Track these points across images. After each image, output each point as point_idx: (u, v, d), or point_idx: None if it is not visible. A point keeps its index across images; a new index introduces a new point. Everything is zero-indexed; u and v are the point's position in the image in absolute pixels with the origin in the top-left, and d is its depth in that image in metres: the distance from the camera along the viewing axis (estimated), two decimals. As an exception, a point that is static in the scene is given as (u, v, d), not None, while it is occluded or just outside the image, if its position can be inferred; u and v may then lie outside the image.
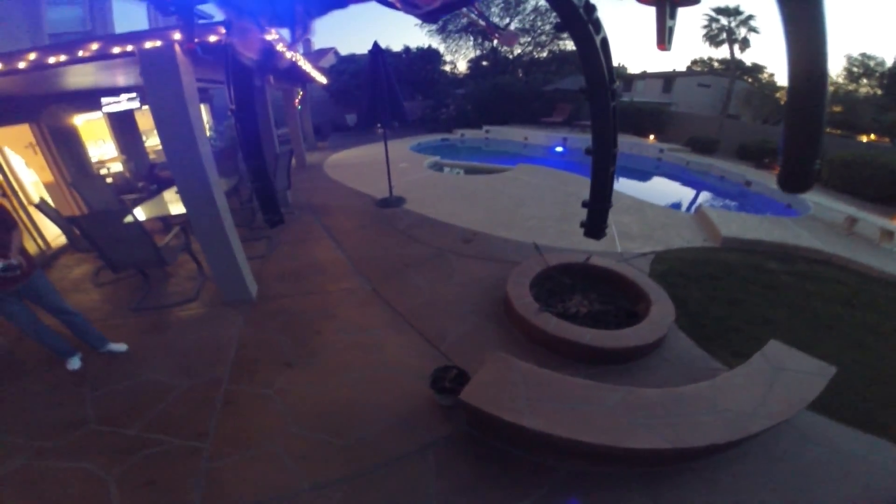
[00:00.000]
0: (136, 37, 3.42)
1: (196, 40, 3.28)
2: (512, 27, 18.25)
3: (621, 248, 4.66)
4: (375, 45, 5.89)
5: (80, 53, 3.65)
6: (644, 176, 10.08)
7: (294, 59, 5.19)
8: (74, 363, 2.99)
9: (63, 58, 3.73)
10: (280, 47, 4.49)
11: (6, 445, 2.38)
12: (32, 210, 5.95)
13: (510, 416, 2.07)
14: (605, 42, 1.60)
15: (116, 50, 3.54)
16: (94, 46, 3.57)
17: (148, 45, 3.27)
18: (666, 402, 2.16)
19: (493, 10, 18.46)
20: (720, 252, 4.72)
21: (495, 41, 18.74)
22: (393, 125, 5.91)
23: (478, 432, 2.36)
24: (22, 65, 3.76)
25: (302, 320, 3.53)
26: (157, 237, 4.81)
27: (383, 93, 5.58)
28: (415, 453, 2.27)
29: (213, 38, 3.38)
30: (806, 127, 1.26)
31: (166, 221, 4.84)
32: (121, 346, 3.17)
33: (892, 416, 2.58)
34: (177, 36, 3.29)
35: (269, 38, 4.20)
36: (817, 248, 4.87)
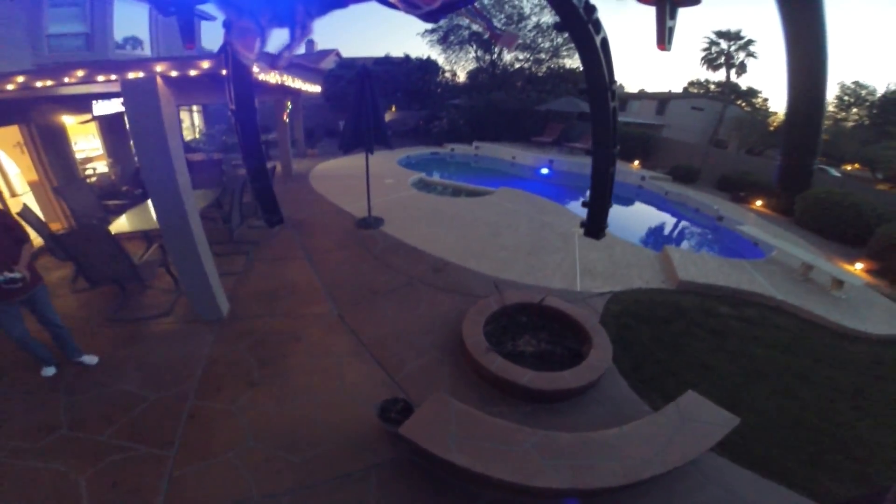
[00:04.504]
0: (118, 67, 3.60)
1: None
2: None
3: (581, 286, 4.88)
4: (363, 68, 6.07)
5: (66, 80, 3.84)
6: (623, 203, 10.37)
7: (281, 81, 5.36)
8: (49, 371, 3.16)
9: (49, 83, 3.92)
10: (263, 76, 4.69)
11: (-18, 444, 2.57)
12: (12, 206, 6.07)
13: (439, 450, 2.34)
14: (605, 42, 1.58)
15: (101, 79, 3.72)
16: (80, 73, 3.75)
17: (130, 75, 3.44)
18: (574, 446, 2.42)
19: (475, 18, 18.72)
20: (675, 294, 4.97)
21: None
22: (373, 150, 6.07)
23: (417, 459, 2.61)
24: (10, 87, 3.95)
25: (270, 342, 3.72)
26: (137, 245, 4.96)
27: (368, 118, 5.73)
28: (359, 473, 2.54)
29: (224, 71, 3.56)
30: (805, 127, 1.29)
31: (148, 235, 4.98)
32: (92, 359, 3.34)
33: (795, 461, 2.86)
34: (159, 68, 3.47)
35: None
36: (769, 294, 5.13)
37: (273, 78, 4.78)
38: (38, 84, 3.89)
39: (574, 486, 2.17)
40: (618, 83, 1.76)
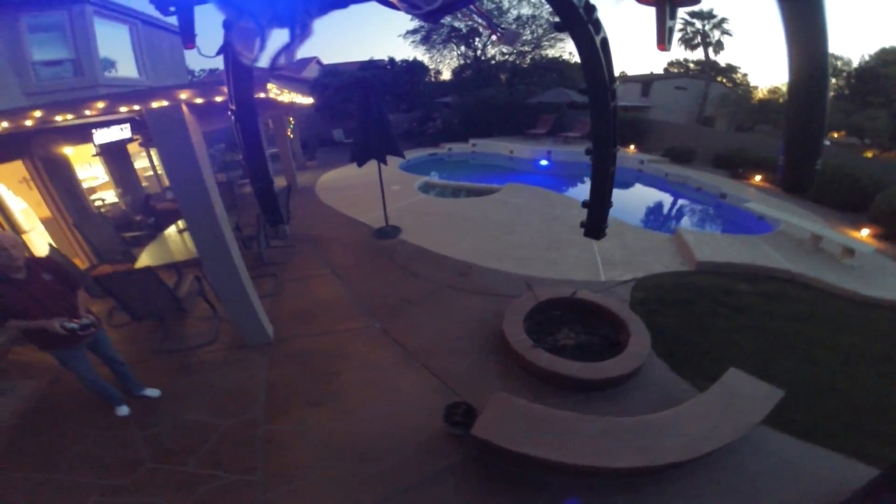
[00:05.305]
0: (142, 96, 3.59)
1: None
2: (493, 38, 18.65)
3: (605, 276, 5.02)
4: (364, 80, 6.14)
5: (88, 113, 3.83)
6: (626, 188, 10.55)
7: (291, 101, 5.39)
8: (124, 410, 3.22)
9: (70, 117, 3.90)
10: (277, 96, 4.72)
11: (77, 485, 2.65)
12: (27, 240, 6.02)
13: (514, 446, 2.49)
14: (605, 42, 1.58)
15: (123, 109, 3.72)
16: (101, 105, 3.75)
17: (154, 104, 3.43)
18: (637, 428, 2.58)
19: (476, 18, 18.80)
20: (694, 276, 5.12)
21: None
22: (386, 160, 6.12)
23: (486, 456, 2.75)
24: (29, 123, 3.93)
25: (319, 360, 3.80)
26: (165, 276, 4.97)
27: (377, 129, 5.76)
28: (436, 476, 2.66)
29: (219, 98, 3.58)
30: (807, 127, 1.25)
31: (178, 268, 4.97)
32: (154, 392, 3.42)
33: (836, 427, 3.01)
34: (183, 95, 3.48)
35: (264, 95, 4.39)
36: (784, 267, 5.28)
37: (287, 97, 4.81)
38: (59, 118, 3.86)
39: (645, 463, 2.34)
40: (618, 83, 1.77)
